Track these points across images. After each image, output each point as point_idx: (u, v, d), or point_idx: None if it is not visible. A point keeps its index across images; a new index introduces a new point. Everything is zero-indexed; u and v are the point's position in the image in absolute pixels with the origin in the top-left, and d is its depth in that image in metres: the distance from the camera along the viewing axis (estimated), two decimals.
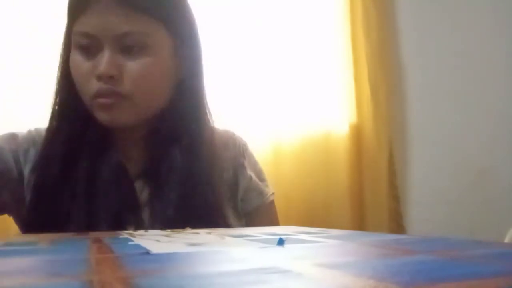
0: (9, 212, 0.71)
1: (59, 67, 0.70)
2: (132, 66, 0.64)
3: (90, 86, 0.64)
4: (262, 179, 0.80)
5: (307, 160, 1.25)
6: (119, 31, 0.63)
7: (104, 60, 0.62)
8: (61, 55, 0.69)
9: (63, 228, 0.58)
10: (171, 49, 0.68)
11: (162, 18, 0.66)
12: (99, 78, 0.63)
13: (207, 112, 0.74)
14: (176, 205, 0.65)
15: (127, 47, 0.64)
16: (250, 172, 0.78)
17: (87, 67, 0.64)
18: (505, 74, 1.46)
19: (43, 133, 0.71)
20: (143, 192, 0.68)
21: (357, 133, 1.30)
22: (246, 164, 0.78)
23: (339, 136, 1.28)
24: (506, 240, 0.90)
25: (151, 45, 0.65)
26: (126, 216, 0.64)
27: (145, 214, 0.66)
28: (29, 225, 0.65)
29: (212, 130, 0.74)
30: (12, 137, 0.69)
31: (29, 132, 0.71)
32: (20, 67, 1.08)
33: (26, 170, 0.68)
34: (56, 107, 0.69)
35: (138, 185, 0.69)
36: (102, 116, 0.65)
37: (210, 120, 0.74)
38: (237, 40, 1.23)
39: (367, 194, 1.28)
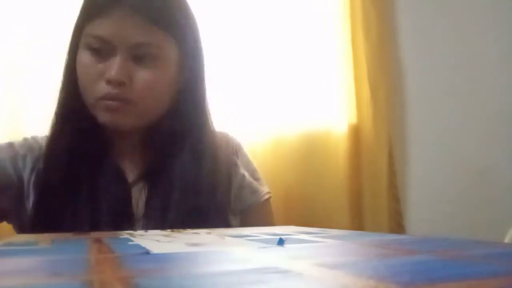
0: (10, 220, 0.71)
1: (65, 65, 0.70)
2: (142, 75, 0.65)
3: (97, 88, 0.65)
4: (256, 178, 0.81)
5: (307, 160, 1.25)
6: (134, 41, 0.64)
7: (116, 65, 0.63)
8: (67, 53, 0.70)
9: (65, 229, 0.58)
10: (177, 58, 0.69)
11: (172, 31, 0.68)
12: (109, 82, 0.64)
13: (208, 117, 0.75)
14: (178, 210, 0.66)
15: (139, 56, 0.65)
16: (243, 171, 0.79)
17: (96, 69, 0.65)
18: (504, 74, 1.46)
19: (39, 140, 0.72)
20: (141, 196, 0.69)
21: (356, 133, 1.30)
22: (239, 163, 0.79)
23: (338, 136, 1.27)
24: (506, 240, 0.90)
25: (161, 56, 0.67)
26: (120, 223, 0.65)
27: (139, 223, 0.67)
28: (32, 227, 0.65)
29: (214, 135, 0.75)
30: (9, 145, 0.70)
31: (25, 139, 0.72)
32: (20, 66, 1.08)
33: (26, 174, 0.68)
34: (59, 106, 0.69)
35: (138, 188, 0.69)
36: (104, 117, 0.65)
37: (211, 125, 0.75)
38: (237, 39, 1.23)
39: (366, 194, 1.28)
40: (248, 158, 0.83)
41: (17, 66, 1.07)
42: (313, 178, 1.25)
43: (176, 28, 0.68)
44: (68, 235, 0.45)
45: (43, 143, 0.71)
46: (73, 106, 0.68)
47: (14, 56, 1.07)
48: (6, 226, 0.97)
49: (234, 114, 1.17)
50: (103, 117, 0.66)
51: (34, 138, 0.73)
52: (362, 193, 1.28)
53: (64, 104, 0.69)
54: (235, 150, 0.80)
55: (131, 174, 0.71)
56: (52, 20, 1.10)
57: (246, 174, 0.79)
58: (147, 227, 0.65)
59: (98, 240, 0.37)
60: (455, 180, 1.36)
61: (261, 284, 0.17)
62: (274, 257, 0.25)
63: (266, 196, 0.80)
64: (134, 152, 0.72)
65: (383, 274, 0.19)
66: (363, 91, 1.31)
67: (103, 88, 0.64)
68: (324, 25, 1.31)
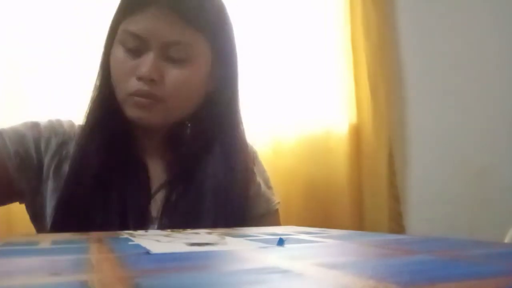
0: (23, 200, 0.71)
1: (101, 60, 0.71)
2: (173, 73, 0.66)
3: (129, 84, 0.65)
4: (269, 186, 0.82)
5: (307, 160, 1.25)
6: (168, 39, 0.65)
7: (148, 63, 0.64)
8: (104, 47, 0.71)
9: (94, 228, 0.58)
10: (209, 60, 0.70)
11: (206, 32, 0.68)
12: (140, 78, 0.64)
13: (240, 122, 0.75)
14: (208, 215, 0.66)
15: (171, 54, 0.66)
16: (259, 179, 0.79)
17: (129, 66, 0.65)
18: (504, 74, 1.46)
19: (64, 125, 0.72)
20: (169, 198, 0.69)
21: (356, 133, 1.30)
22: (255, 170, 0.79)
23: (338, 136, 1.28)
24: (506, 240, 0.90)
25: (194, 55, 0.67)
26: (144, 226, 0.65)
27: (164, 226, 0.67)
28: (55, 223, 0.65)
29: (245, 140, 0.75)
30: (34, 125, 0.69)
31: (50, 121, 0.72)
32: (20, 66, 1.08)
33: (46, 159, 0.68)
34: (94, 100, 0.70)
35: (163, 191, 0.69)
36: (133, 113, 0.66)
37: (243, 131, 0.75)
38: (236, 39, 1.22)
39: (367, 194, 1.28)
40: (263, 166, 0.84)
41: (17, 66, 1.07)
42: (313, 178, 1.25)
43: (210, 30, 0.69)
44: (68, 235, 0.45)
45: (68, 128, 0.71)
46: (107, 102, 0.68)
47: (14, 56, 1.07)
48: (9, 225, 0.98)
49: None
50: (132, 112, 0.66)
51: (59, 122, 0.72)
52: (362, 193, 1.28)
53: (98, 99, 0.70)
54: (252, 158, 0.80)
55: (155, 173, 0.71)
56: (52, 20, 1.10)
57: (262, 182, 0.80)
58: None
59: (98, 240, 0.37)
60: (455, 180, 1.36)
61: (261, 284, 0.17)
62: (274, 257, 0.25)
63: (277, 206, 0.81)
64: (160, 152, 0.73)
65: (383, 274, 0.19)
66: (363, 91, 1.31)
67: (134, 84, 0.65)
68: (324, 25, 1.31)
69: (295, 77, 1.27)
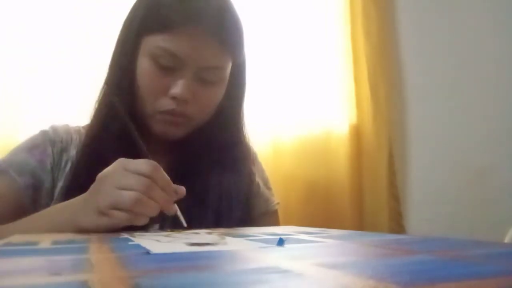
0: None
1: (111, 70, 0.70)
2: (205, 94, 0.67)
3: (161, 102, 0.66)
4: (268, 187, 0.82)
5: (307, 160, 1.25)
6: (207, 64, 0.65)
7: (185, 84, 0.64)
8: (118, 56, 0.69)
9: None
10: (229, 72, 0.71)
11: (235, 55, 0.69)
12: (174, 99, 0.65)
13: (244, 125, 0.76)
14: (213, 216, 0.66)
15: (206, 77, 0.66)
16: (258, 180, 0.79)
17: (162, 83, 0.65)
18: (504, 73, 1.46)
19: (58, 130, 0.72)
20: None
21: (357, 133, 1.30)
22: (255, 171, 0.79)
23: (339, 136, 1.28)
24: (506, 240, 0.90)
25: (224, 77, 0.69)
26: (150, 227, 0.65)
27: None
28: None
29: (248, 143, 0.76)
30: (35, 146, 0.69)
31: (44, 132, 0.72)
32: (20, 66, 1.08)
33: (55, 172, 0.68)
34: (100, 103, 0.70)
35: None
36: (161, 128, 0.67)
37: (246, 134, 0.76)
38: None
39: (367, 194, 1.28)
40: (262, 167, 0.84)
41: (17, 66, 1.07)
42: (314, 178, 1.25)
43: (240, 50, 0.70)
44: (68, 235, 0.45)
45: (64, 134, 0.72)
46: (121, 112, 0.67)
47: (14, 56, 1.07)
48: None
49: None
50: (159, 128, 0.67)
51: (54, 129, 0.72)
52: (363, 193, 1.28)
53: (106, 101, 0.68)
54: (252, 159, 0.81)
55: None
56: (52, 20, 1.10)
57: (261, 183, 0.80)
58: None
59: (98, 240, 0.37)
60: (455, 180, 1.36)
61: (261, 284, 0.17)
62: (274, 257, 0.25)
63: (276, 207, 0.81)
64: (162, 153, 0.73)
65: (383, 274, 0.19)
66: (363, 91, 1.31)
67: (167, 103, 0.65)
68: (325, 25, 1.31)
69: (295, 77, 1.27)
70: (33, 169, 0.66)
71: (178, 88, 0.64)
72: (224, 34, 0.65)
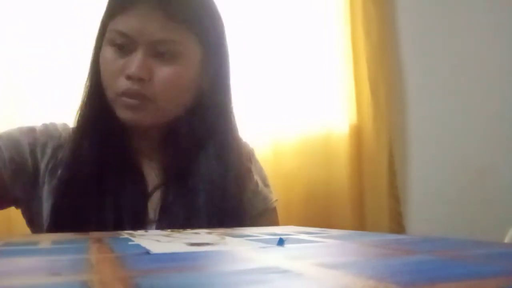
0: (19, 206, 0.71)
1: (91, 61, 0.70)
2: (162, 71, 0.65)
3: (118, 84, 0.65)
4: (266, 184, 0.81)
5: (307, 161, 1.25)
6: (155, 37, 0.64)
7: (136, 61, 0.64)
8: (93, 48, 0.70)
9: (89, 229, 0.57)
10: (199, 57, 0.69)
11: (194, 29, 0.67)
12: (129, 77, 0.64)
13: (233, 120, 0.75)
14: (202, 214, 0.66)
15: (160, 53, 0.65)
16: (256, 177, 0.79)
17: (118, 65, 0.65)
18: (504, 73, 1.46)
19: (59, 128, 0.72)
20: (164, 199, 0.68)
21: (357, 133, 1.30)
22: (253, 169, 0.79)
23: (339, 136, 1.27)
24: (506, 240, 0.90)
25: (183, 53, 0.67)
26: (140, 227, 0.65)
27: (159, 226, 0.66)
28: (50, 228, 0.65)
29: (238, 138, 0.75)
30: (30, 130, 0.69)
31: (45, 126, 0.71)
32: (20, 66, 1.08)
33: (43, 164, 0.68)
34: (84, 102, 0.70)
35: (159, 191, 0.69)
36: (125, 114, 0.66)
37: (236, 129, 0.75)
38: (237, 39, 1.22)
39: (367, 194, 1.28)
40: (260, 165, 0.83)
41: (17, 66, 1.07)
42: (314, 178, 1.25)
43: (199, 26, 0.68)
44: (68, 235, 0.45)
45: (63, 132, 0.71)
46: (97, 102, 0.68)
47: (14, 56, 1.07)
48: (10, 225, 0.98)
49: (234, 113, 1.17)
50: (122, 113, 0.66)
51: (54, 125, 0.72)
52: (363, 193, 1.28)
53: (89, 99, 0.69)
54: (249, 156, 0.80)
55: (150, 174, 0.71)
56: (52, 20, 1.10)
57: (259, 180, 0.79)
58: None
59: (98, 240, 0.37)
60: (455, 180, 1.36)
61: (261, 284, 0.17)
62: (274, 257, 0.25)
63: (275, 204, 0.80)
64: (154, 152, 0.72)
65: (383, 274, 0.19)
66: (363, 91, 1.31)
67: (123, 83, 0.64)
68: (325, 25, 1.31)
69: (295, 78, 1.27)
70: (22, 149, 0.66)
71: (131, 66, 0.64)
72: (172, 7, 0.65)
